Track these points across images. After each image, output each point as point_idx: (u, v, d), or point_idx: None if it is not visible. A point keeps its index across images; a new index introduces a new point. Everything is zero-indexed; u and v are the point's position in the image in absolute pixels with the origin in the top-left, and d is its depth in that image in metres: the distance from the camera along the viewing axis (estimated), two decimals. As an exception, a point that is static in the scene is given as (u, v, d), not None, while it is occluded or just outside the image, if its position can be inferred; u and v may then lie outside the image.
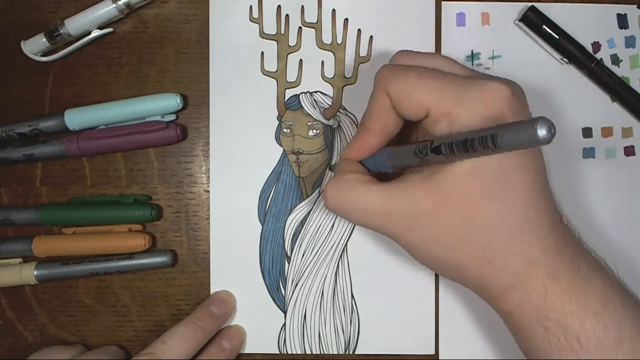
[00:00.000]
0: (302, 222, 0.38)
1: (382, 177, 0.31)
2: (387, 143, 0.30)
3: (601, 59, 0.38)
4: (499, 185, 0.26)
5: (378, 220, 0.28)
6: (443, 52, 0.38)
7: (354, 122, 0.38)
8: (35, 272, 0.36)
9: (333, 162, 0.38)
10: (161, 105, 0.36)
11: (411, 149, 0.27)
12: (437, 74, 0.27)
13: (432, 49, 0.38)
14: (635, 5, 0.38)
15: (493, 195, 0.26)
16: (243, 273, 0.38)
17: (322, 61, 0.38)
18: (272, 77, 0.38)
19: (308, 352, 0.37)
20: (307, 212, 0.38)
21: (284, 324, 0.38)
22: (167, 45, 0.38)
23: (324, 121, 0.38)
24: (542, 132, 0.21)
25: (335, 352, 0.37)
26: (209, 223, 0.38)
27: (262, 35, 0.38)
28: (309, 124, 0.38)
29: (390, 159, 0.30)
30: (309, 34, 0.38)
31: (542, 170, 0.28)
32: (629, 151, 0.38)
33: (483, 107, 0.25)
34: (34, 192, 0.38)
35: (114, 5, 0.36)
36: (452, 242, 0.27)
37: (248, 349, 0.38)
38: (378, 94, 0.28)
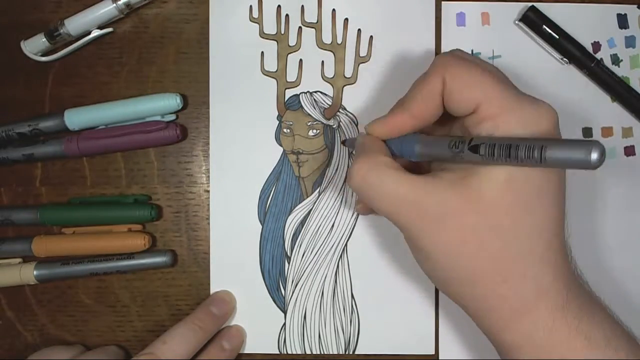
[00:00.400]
0: (302, 222, 0.38)
1: (406, 167, 0.30)
2: (418, 129, 0.29)
3: (601, 59, 0.38)
4: (531, 204, 0.25)
5: (403, 210, 0.27)
6: (443, 52, 0.38)
7: (354, 122, 0.38)
8: (35, 272, 0.36)
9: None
10: (161, 105, 0.36)
11: (446, 141, 0.26)
12: (499, 76, 0.27)
13: (432, 49, 0.38)
14: (635, 5, 0.38)
15: (524, 213, 0.25)
16: (243, 273, 0.38)
17: (322, 61, 0.38)
18: (272, 77, 0.38)
19: (308, 352, 0.37)
20: (307, 212, 0.38)
21: (284, 324, 0.38)
22: (167, 45, 0.38)
23: (324, 121, 0.38)
24: (595, 155, 0.20)
25: (335, 352, 0.37)
26: (209, 223, 0.38)
27: (262, 35, 0.38)
28: (309, 124, 0.38)
29: (420, 146, 0.28)
30: (309, 34, 0.38)
31: (564, 202, 0.27)
32: (629, 151, 0.38)
33: (535, 122, 0.25)
34: (34, 192, 0.38)
35: (114, 5, 0.36)
36: (472, 250, 0.25)
37: (248, 349, 0.38)
38: (432, 76, 0.27)
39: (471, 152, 0.25)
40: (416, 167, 0.31)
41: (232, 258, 0.38)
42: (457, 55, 0.28)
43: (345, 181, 0.38)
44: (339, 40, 0.38)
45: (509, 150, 0.23)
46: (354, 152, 0.37)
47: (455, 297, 0.28)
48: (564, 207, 0.27)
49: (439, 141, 0.27)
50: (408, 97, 0.29)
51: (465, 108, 0.26)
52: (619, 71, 0.38)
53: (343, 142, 0.37)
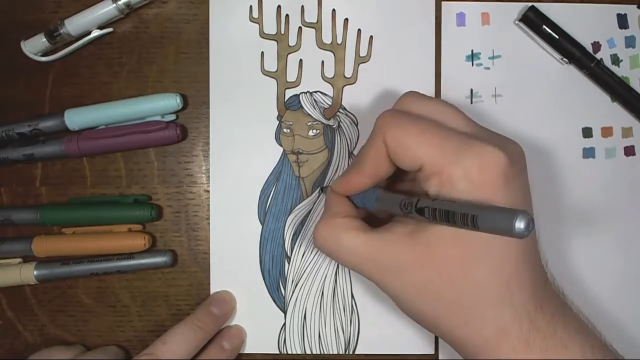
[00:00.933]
0: (302, 222, 0.38)
1: (370, 214, 0.32)
2: (377, 184, 0.31)
3: (601, 59, 0.38)
4: (481, 254, 0.26)
5: (365, 267, 0.29)
6: (443, 52, 0.38)
7: (354, 122, 0.38)
8: (35, 272, 0.36)
9: (324, 184, 0.38)
10: (161, 105, 0.36)
11: (397, 200, 0.28)
12: (438, 129, 0.27)
13: (432, 49, 0.38)
14: (635, 5, 0.38)
15: (474, 263, 0.26)
16: (243, 273, 0.38)
17: (322, 61, 0.38)
18: (272, 77, 0.38)
19: (308, 352, 0.37)
20: (307, 212, 0.38)
21: (284, 324, 0.38)
22: (167, 45, 0.38)
23: (324, 121, 0.38)
24: (520, 225, 0.21)
25: (335, 352, 0.37)
26: (209, 223, 0.38)
27: (262, 35, 0.38)
28: (309, 124, 0.38)
29: (377, 202, 0.30)
30: (309, 34, 0.38)
31: (532, 236, 0.28)
32: (629, 151, 0.38)
33: (477, 172, 0.25)
34: (34, 192, 0.38)
35: (114, 5, 0.36)
36: (430, 299, 0.27)
37: (248, 349, 0.38)
38: (375, 139, 0.28)
39: (418, 214, 0.26)
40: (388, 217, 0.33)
41: (232, 258, 0.38)
42: (396, 114, 0.28)
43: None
44: (339, 40, 0.38)
45: (447, 216, 0.24)
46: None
47: (430, 331, 0.30)
48: (528, 243, 0.27)
49: (393, 199, 0.29)
50: (359, 156, 0.30)
51: (412, 166, 0.27)
52: (619, 71, 0.38)
53: (322, 190, 0.38)
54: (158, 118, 0.37)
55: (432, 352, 0.37)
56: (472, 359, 0.28)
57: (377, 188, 0.31)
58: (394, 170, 0.29)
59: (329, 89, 0.38)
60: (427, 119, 0.28)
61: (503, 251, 0.26)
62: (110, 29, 0.37)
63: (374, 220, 0.31)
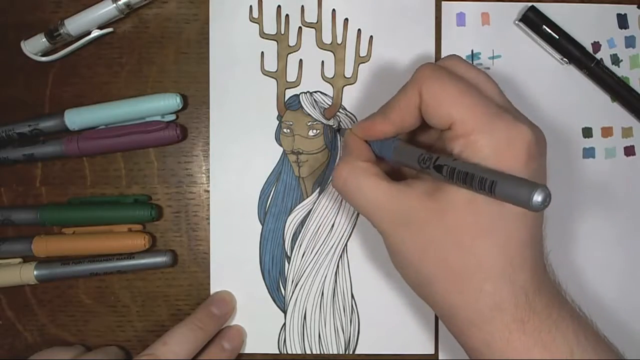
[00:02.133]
0: (302, 222, 0.38)
1: (390, 168, 0.32)
2: (398, 134, 0.30)
3: (601, 59, 0.38)
4: (493, 225, 0.26)
5: (377, 214, 0.29)
6: (443, 52, 0.38)
7: (354, 122, 0.38)
8: (35, 272, 0.36)
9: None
10: (161, 105, 0.36)
11: (416, 154, 0.28)
12: (475, 93, 0.27)
13: (432, 49, 0.38)
14: (635, 5, 0.38)
15: (485, 233, 0.26)
16: (243, 273, 0.38)
17: (322, 61, 0.38)
18: (272, 77, 0.38)
19: (308, 352, 0.37)
20: (307, 212, 0.38)
21: (284, 324, 0.38)
22: (167, 45, 0.38)
23: (324, 121, 0.38)
24: (537, 198, 0.21)
25: (335, 352, 0.37)
26: (209, 223, 0.38)
27: (262, 35, 0.38)
28: (309, 124, 0.38)
29: (395, 153, 0.30)
30: (309, 34, 0.38)
31: (540, 222, 0.28)
32: (629, 151, 0.38)
33: (504, 143, 0.25)
34: (34, 192, 0.38)
35: (114, 5, 0.36)
36: (432, 259, 0.27)
37: (248, 349, 0.38)
38: (410, 89, 0.28)
39: (435, 171, 0.26)
40: (399, 168, 0.33)
41: (232, 258, 0.38)
42: (437, 69, 0.28)
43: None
44: (339, 40, 0.38)
45: (465, 178, 0.24)
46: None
47: (421, 296, 0.29)
48: (535, 227, 0.27)
49: (411, 152, 0.28)
50: (389, 104, 0.30)
51: (440, 124, 0.27)
52: (619, 71, 0.38)
53: (338, 131, 0.38)
54: (158, 118, 0.37)
55: (432, 352, 0.37)
56: (458, 334, 0.28)
57: (396, 138, 0.30)
58: (419, 125, 0.29)
59: (329, 89, 0.38)
60: (466, 81, 0.28)
61: (513, 229, 0.26)
62: (110, 29, 0.37)
63: (389, 175, 0.31)
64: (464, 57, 0.38)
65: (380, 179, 0.29)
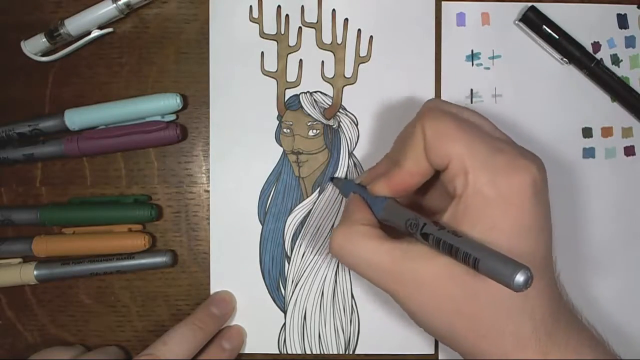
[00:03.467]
0: (302, 222, 0.38)
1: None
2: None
3: (601, 59, 0.38)
4: None
5: (382, 278, 0.28)
6: (443, 52, 0.38)
7: (354, 122, 0.38)
8: (35, 272, 0.36)
9: (336, 174, 0.37)
10: (161, 105, 0.36)
11: (404, 218, 0.27)
12: (475, 130, 0.27)
13: (432, 49, 0.38)
14: (635, 5, 0.38)
15: None
16: (243, 273, 0.38)
17: (322, 61, 0.38)
18: (272, 77, 0.38)
19: (308, 352, 0.37)
20: (307, 212, 0.38)
21: (284, 324, 0.38)
22: (167, 45, 0.38)
23: (324, 121, 0.38)
24: (519, 279, 0.22)
25: (335, 352, 0.37)
26: (209, 223, 0.38)
27: (262, 35, 0.38)
28: (309, 124, 0.38)
29: (384, 212, 0.29)
30: (309, 34, 0.38)
31: (550, 246, 0.27)
32: (629, 151, 0.38)
33: (505, 180, 0.25)
34: (34, 192, 0.38)
35: (114, 5, 0.36)
36: (449, 313, 0.27)
37: (248, 349, 0.38)
38: (415, 128, 0.28)
39: (422, 238, 0.26)
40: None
41: (232, 258, 0.38)
42: (438, 106, 0.28)
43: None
44: (339, 40, 0.38)
45: (450, 250, 0.24)
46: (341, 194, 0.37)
47: (448, 346, 0.29)
48: (549, 258, 0.27)
49: (400, 214, 0.28)
50: (400, 154, 0.29)
51: (440, 162, 0.27)
52: (619, 71, 0.38)
53: (331, 179, 0.37)
54: (158, 118, 0.37)
55: (432, 352, 0.37)
56: None
57: (387, 197, 0.30)
58: (432, 174, 0.28)
59: (329, 89, 0.38)
60: (465, 119, 0.28)
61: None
62: (110, 29, 0.37)
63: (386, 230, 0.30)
64: (464, 57, 0.38)
65: (382, 241, 0.28)
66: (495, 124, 0.30)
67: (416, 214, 0.27)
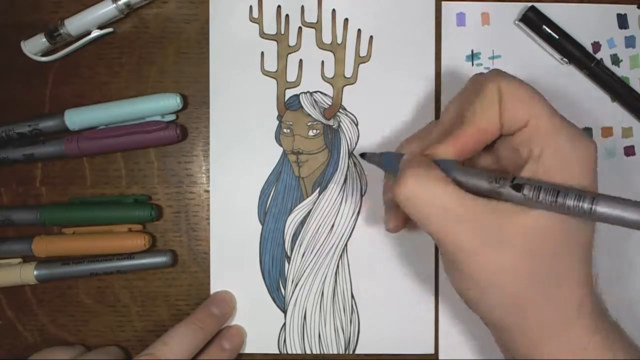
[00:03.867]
0: (302, 222, 0.38)
1: None
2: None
3: (601, 59, 0.38)
4: (578, 240, 0.26)
5: (459, 229, 0.25)
6: (443, 52, 0.38)
7: (354, 122, 0.38)
8: (35, 272, 0.36)
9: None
10: (161, 105, 0.36)
11: (484, 175, 0.25)
12: (544, 97, 0.27)
13: (432, 49, 0.38)
14: (635, 5, 0.38)
15: (572, 246, 0.26)
16: (243, 273, 0.38)
17: (322, 61, 0.38)
18: (272, 77, 0.38)
19: (308, 352, 0.37)
20: (307, 212, 0.38)
21: (284, 324, 0.38)
22: (167, 45, 0.38)
23: (324, 121, 0.38)
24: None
25: (335, 352, 0.37)
26: (209, 223, 0.38)
27: (262, 35, 0.38)
28: (309, 124, 0.38)
29: (458, 172, 0.26)
30: (309, 34, 0.38)
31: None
32: (629, 151, 0.38)
33: (581, 145, 0.25)
34: (34, 192, 0.38)
35: (114, 5, 0.36)
36: (524, 274, 0.25)
37: (248, 349, 0.38)
38: (488, 86, 0.26)
39: (514, 190, 0.24)
40: None
41: (232, 258, 0.38)
42: (508, 73, 0.28)
43: (345, 181, 0.38)
44: (339, 40, 0.38)
45: (557, 195, 0.23)
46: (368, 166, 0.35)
47: (487, 316, 0.28)
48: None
49: (477, 173, 0.26)
50: (467, 111, 0.27)
51: (517, 122, 0.26)
52: (619, 71, 0.38)
53: (362, 155, 0.32)
54: (158, 118, 0.37)
55: (432, 352, 0.37)
56: (540, 344, 0.27)
57: (454, 160, 0.27)
58: (498, 135, 0.27)
59: (329, 89, 0.38)
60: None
61: (589, 243, 0.26)
62: (110, 29, 0.37)
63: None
64: (464, 57, 0.38)
65: (463, 191, 0.25)
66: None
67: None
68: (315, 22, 0.38)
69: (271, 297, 0.38)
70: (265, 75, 0.38)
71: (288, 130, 0.38)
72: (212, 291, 0.38)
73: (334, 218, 0.38)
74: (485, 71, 0.37)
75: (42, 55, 0.37)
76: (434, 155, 0.27)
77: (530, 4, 0.37)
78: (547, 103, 0.27)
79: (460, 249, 0.25)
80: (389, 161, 0.30)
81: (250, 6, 0.38)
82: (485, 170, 0.26)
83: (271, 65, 0.38)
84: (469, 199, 0.25)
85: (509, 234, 0.25)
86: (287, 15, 0.38)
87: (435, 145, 0.27)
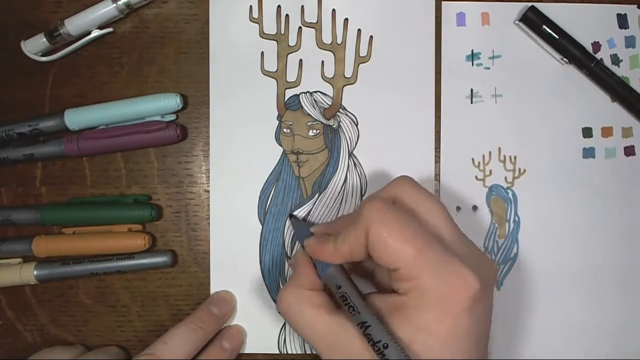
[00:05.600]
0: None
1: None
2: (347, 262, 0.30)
3: (601, 59, 0.38)
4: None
5: (318, 344, 0.29)
6: (443, 52, 0.38)
7: (354, 122, 0.38)
8: (35, 272, 0.36)
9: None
10: (161, 105, 0.36)
11: (337, 290, 0.29)
12: (423, 236, 0.27)
13: (432, 49, 0.38)
14: (635, 5, 0.38)
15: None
16: (243, 273, 0.38)
17: (322, 61, 0.38)
18: (272, 77, 0.38)
19: (308, 352, 0.37)
20: (307, 212, 0.38)
21: (284, 324, 0.38)
22: (167, 45, 0.38)
23: (324, 121, 0.38)
24: None
25: (335, 352, 0.37)
26: (209, 223, 0.38)
27: (262, 35, 0.38)
28: (309, 124, 0.38)
29: (324, 277, 0.30)
30: (309, 34, 0.38)
31: (484, 355, 0.28)
32: (629, 151, 0.38)
33: (449, 291, 0.26)
34: (34, 192, 0.38)
35: (114, 5, 0.36)
36: None
37: (248, 349, 0.38)
38: (358, 228, 0.28)
39: (343, 304, 0.28)
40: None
41: (232, 258, 0.38)
42: (384, 209, 0.28)
43: (345, 181, 0.38)
44: (339, 40, 0.38)
45: (364, 332, 0.27)
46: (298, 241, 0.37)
47: None
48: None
49: (336, 283, 0.29)
50: (341, 236, 0.29)
51: (387, 265, 0.27)
52: (619, 71, 0.38)
53: (290, 217, 0.37)
54: (158, 118, 0.37)
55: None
56: None
57: (332, 265, 0.30)
58: (366, 258, 0.29)
59: (329, 89, 0.38)
60: (414, 218, 0.28)
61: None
62: (110, 29, 0.37)
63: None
64: (464, 57, 0.38)
65: (323, 310, 0.29)
66: (451, 216, 0.30)
67: (351, 287, 0.29)
68: (315, 22, 0.38)
69: (271, 297, 0.38)
70: (265, 75, 0.38)
71: (288, 130, 0.38)
72: (212, 291, 0.38)
73: (334, 218, 0.38)
74: (486, 72, 0.38)
75: (42, 55, 0.37)
76: (306, 248, 0.31)
77: (530, 4, 0.37)
78: (420, 244, 0.27)
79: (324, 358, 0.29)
80: (301, 235, 0.34)
81: (250, 6, 0.38)
82: (348, 287, 0.29)
83: (271, 65, 0.38)
84: (324, 321, 0.29)
85: (354, 352, 0.27)
86: (287, 15, 0.38)
87: (308, 241, 0.31)
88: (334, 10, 0.38)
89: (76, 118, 0.36)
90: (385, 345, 0.25)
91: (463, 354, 0.26)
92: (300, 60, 0.38)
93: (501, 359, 0.30)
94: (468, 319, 0.26)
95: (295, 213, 0.38)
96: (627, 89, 0.37)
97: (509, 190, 0.38)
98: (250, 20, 0.38)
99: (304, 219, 0.38)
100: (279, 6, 0.38)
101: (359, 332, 0.27)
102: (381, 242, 0.27)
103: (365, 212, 0.28)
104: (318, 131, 0.38)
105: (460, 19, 0.38)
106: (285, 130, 0.38)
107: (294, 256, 0.33)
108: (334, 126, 0.38)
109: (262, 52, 0.38)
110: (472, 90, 0.38)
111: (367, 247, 0.28)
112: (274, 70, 0.38)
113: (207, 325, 0.35)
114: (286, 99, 0.38)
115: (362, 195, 0.38)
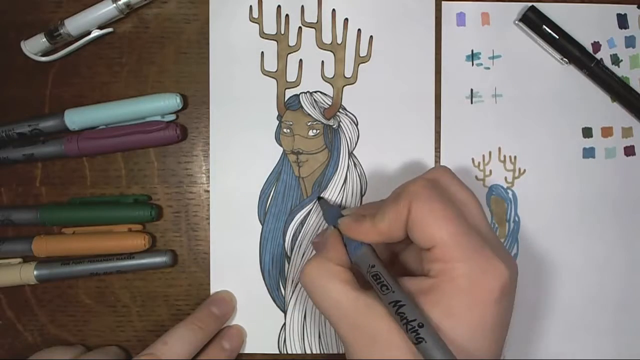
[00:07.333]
0: (302, 222, 0.38)
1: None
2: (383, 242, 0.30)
3: (601, 59, 0.38)
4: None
5: (341, 322, 0.28)
6: (443, 52, 0.38)
7: (354, 122, 0.38)
8: (35, 272, 0.36)
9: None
10: (161, 105, 0.36)
11: (370, 269, 0.28)
12: (461, 221, 0.27)
13: (432, 49, 0.38)
14: (635, 5, 0.38)
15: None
16: (243, 273, 0.38)
17: (322, 61, 0.38)
18: (272, 77, 0.38)
19: (308, 352, 0.37)
20: (307, 212, 0.38)
21: (284, 324, 0.38)
22: (167, 45, 0.38)
23: (324, 121, 0.38)
24: None
25: (335, 352, 0.37)
26: (209, 223, 0.38)
27: (262, 35, 0.38)
28: (309, 123, 0.38)
29: (356, 258, 0.29)
30: (309, 34, 0.38)
31: (501, 348, 0.28)
32: (629, 151, 0.38)
33: (481, 277, 0.26)
34: (34, 192, 0.38)
35: (114, 5, 0.36)
36: None
37: (248, 349, 0.38)
38: (402, 204, 0.27)
39: (393, 307, 0.26)
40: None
41: (232, 258, 0.38)
42: (430, 187, 0.28)
43: (345, 181, 0.38)
44: (339, 40, 0.38)
45: (396, 313, 0.26)
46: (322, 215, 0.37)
47: None
48: (499, 352, 0.28)
49: (369, 263, 0.28)
50: (380, 213, 0.29)
51: (423, 244, 0.27)
52: (619, 71, 0.38)
53: (318, 199, 0.37)
54: (158, 118, 0.37)
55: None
56: None
57: (366, 245, 0.30)
58: (404, 237, 0.29)
59: (329, 89, 0.38)
60: (454, 205, 0.28)
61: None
62: (110, 29, 0.37)
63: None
64: (464, 57, 0.38)
65: (350, 287, 0.28)
66: (484, 211, 0.30)
67: (383, 266, 0.28)
68: (315, 22, 0.38)
69: (271, 297, 0.38)
70: (265, 75, 0.38)
71: (288, 130, 0.38)
72: (212, 291, 0.38)
73: (334, 218, 0.38)
74: (486, 72, 0.38)
75: (42, 55, 0.37)
76: (340, 227, 0.31)
77: (530, 4, 0.37)
78: (458, 228, 0.27)
79: (343, 339, 0.28)
80: (331, 217, 0.33)
81: (250, 6, 0.38)
82: (377, 266, 0.28)
83: (271, 65, 0.38)
84: (351, 298, 0.28)
85: (379, 333, 0.27)
86: (287, 15, 0.38)
87: (343, 220, 0.31)
88: (334, 10, 0.38)
89: (76, 118, 0.36)
90: (421, 324, 0.25)
91: (485, 346, 0.26)
92: (300, 60, 0.38)
93: (501, 359, 0.30)
94: (496, 311, 0.26)
95: (295, 213, 0.38)
96: (627, 89, 0.37)
97: (509, 190, 0.38)
98: (250, 20, 0.38)
99: (304, 219, 0.38)
100: (279, 6, 0.38)
101: (388, 313, 0.27)
102: (423, 218, 0.27)
103: (410, 188, 0.28)
104: (318, 131, 0.38)
105: (460, 19, 0.38)
106: (285, 130, 0.38)
107: (321, 235, 0.32)
108: (334, 126, 0.38)
109: (262, 52, 0.38)
110: (472, 90, 0.38)
111: (407, 225, 0.27)
112: (274, 70, 0.38)
113: (207, 325, 0.35)
114: (286, 99, 0.38)
115: (362, 196, 0.38)
